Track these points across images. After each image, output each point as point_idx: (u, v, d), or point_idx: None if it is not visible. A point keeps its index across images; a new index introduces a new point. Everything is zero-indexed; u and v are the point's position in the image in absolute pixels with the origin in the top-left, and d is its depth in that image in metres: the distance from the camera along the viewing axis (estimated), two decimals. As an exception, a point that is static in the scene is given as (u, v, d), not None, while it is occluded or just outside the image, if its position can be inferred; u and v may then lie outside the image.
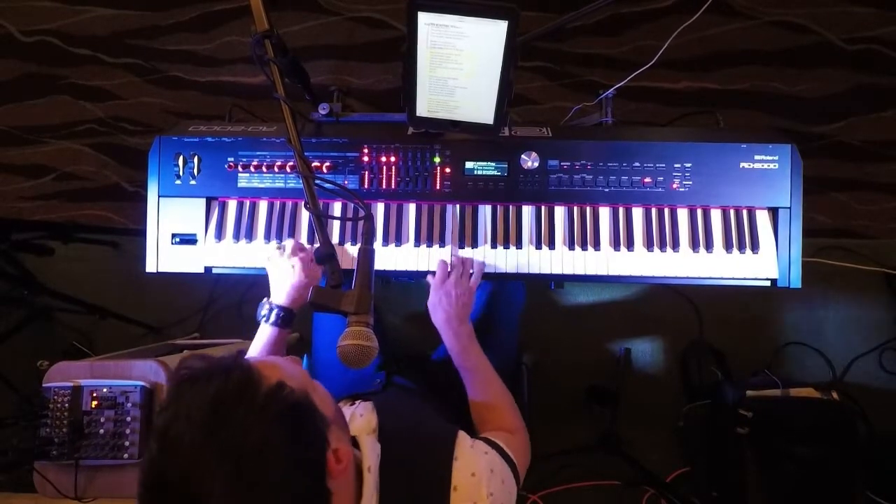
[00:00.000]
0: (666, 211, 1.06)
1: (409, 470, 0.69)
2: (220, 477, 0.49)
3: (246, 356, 0.93)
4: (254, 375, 0.56)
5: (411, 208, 1.08)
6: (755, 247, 1.05)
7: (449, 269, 1.03)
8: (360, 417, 0.78)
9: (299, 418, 0.57)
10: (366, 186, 1.07)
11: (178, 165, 1.07)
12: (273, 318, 0.94)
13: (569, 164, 1.06)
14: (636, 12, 1.90)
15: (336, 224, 1.08)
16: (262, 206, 1.09)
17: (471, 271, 1.03)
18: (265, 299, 0.97)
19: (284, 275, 0.96)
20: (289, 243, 0.98)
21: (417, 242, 1.07)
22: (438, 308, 0.99)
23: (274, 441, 0.53)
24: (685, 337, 1.79)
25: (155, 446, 0.52)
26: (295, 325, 0.98)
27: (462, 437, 0.75)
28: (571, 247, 1.06)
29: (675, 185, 1.05)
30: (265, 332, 0.95)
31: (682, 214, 1.06)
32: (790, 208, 1.04)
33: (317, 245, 0.82)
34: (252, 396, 0.54)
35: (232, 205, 1.09)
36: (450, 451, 0.71)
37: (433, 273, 1.04)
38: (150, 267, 1.07)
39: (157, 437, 0.52)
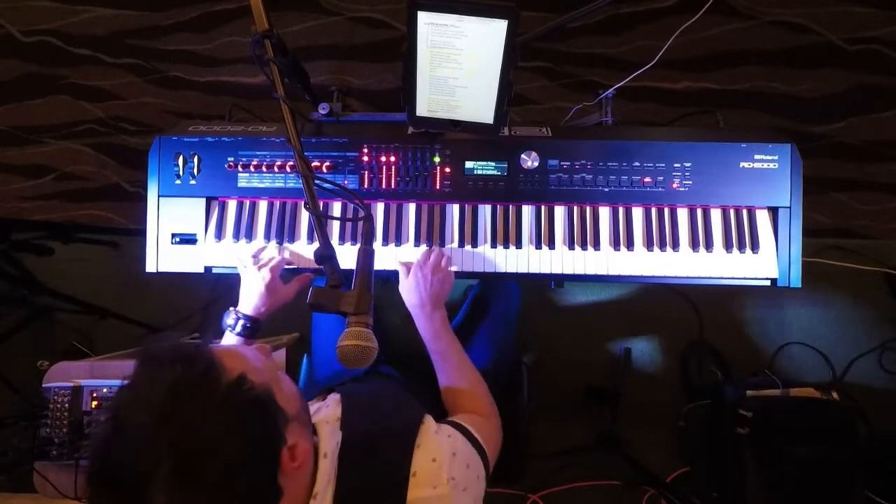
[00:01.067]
0: (666, 211, 1.06)
1: (368, 457, 0.68)
2: (164, 467, 0.49)
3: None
4: (216, 367, 0.56)
5: (411, 208, 1.08)
6: (755, 246, 1.05)
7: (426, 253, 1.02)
8: (327, 409, 0.78)
9: (256, 415, 0.57)
10: (366, 186, 1.07)
11: (178, 165, 1.07)
12: (239, 328, 0.95)
13: (569, 163, 1.06)
14: (636, 12, 1.90)
15: (336, 224, 1.08)
16: (262, 206, 1.09)
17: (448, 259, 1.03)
18: (232, 308, 0.98)
19: (253, 285, 0.97)
20: (266, 254, 1.00)
21: (417, 242, 1.07)
22: (414, 291, 0.98)
23: (226, 438, 0.53)
24: (685, 337, 1.79)
25: (109, 425, 0.52)
26: (295, 325, 0.98)
27: (428, 422, 0.74)
28: (571, 247, 1.06)
29: (675, 185, 1.05)
30: (229, 342, 0.96)
31: (682, 214, 1.06)
32: (790, 208, 1.04)
33: (315, 247, 0.82)
34: (211, 390, 0.54)
35: (232, 205, 1.09)
36: (412, 438, 0.71)
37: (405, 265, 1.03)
38: (150, 267, 1.07)
39: (112, 416, 0.52)
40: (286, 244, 1.07)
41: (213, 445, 0.52)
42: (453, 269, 1.04)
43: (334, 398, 0.81)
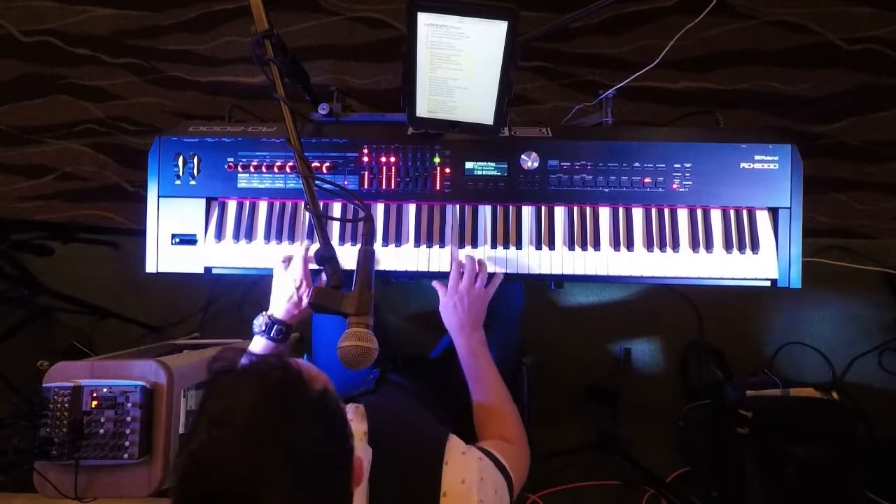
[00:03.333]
0: (666, 211, 1.06)
1: (398, 475, 0.68)
2: (283, 474, 0.49)
3: None
4: (304, 377, 0.57)
5: (411, 208, 1.08)
6: (755, 247, 1.05)
7: (461, 272, 1.02)
8: (351, 422, 0.78)
9: (340, 423, 0.58)
10: (366, 187, 1.07)
11: (178, 166, 1.07)
12: (274, 332, 0.94)
13: (569, 164, 1.06)
14: (637, 12, 1.90)
15: (336, 224, 1.08)
16: (262, 206, 1.09)
17: (486, 281, 1.02)
18: (263, 312, 0.97)
19: (288, 290, 0.96)
20: (297, 261, 0.98)
21: (417, 243, 1.07)
22: (452, 313, 0.98)
23: (326, 440, 0.54)
24: (685, 337, 1.79)
25: (214, 432, 0.50)
26: (295, 325, 0.97)
27: (453, 441, 0.74)
28: (571, 247, 1.06)
29: (675, 185, 1.05)
30: (260, 345, 0.95)
31: (682, 214, 1.06)
32: (790, 208, 1.04)
33: (315, 247, 0.82)
34: (307, 396, 0.55)
35: (232, 205, 1.09)
36: (440, 456, 0.71)
37: (438, 280, 1.03)
38: (150, 267, 1.07)
39: (214, 424, 0.51)
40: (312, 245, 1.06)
41: (318, 447, 0.53)
42: (500, 271, 1.04)
43: (357, 410, 0.80)
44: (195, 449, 0.51)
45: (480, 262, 1.03)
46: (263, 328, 0.94)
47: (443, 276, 1.08)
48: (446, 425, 0.80)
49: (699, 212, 1.06)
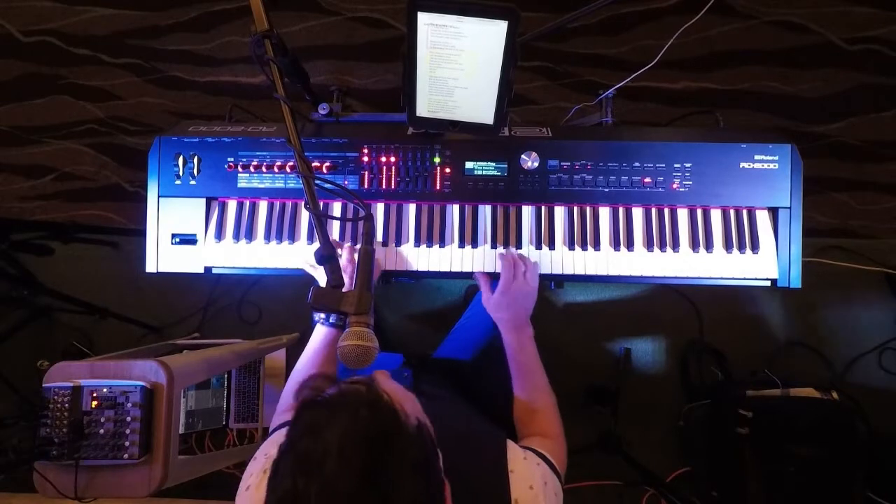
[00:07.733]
0: (666, 211, 1.06)
1: (467, 483, 0.66)
2: None
3: (310, 353, 0.93)
4: (399, 414, 0.55)
5: (411, 208, 1.08)
6: (755, 247, 1.05)
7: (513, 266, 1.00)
8: None
9: (434, 458, 0.56)
10: (366, 186, 1.07)
11: (178, 165, 1.07)
12: (333, 318, 0.94)
13: (569, 164, 1.06)
14: (636, 12, 1.90)
15: (336, 224, 1.08)
16: (262, 206, 1.09)
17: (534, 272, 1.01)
18: None
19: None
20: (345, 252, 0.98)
21: (417, 242, 1.07)
22: (507, 308, 0.97)
23: (421, 488, 0.52)
24: (685, 337, 1.79)
25: (300, 481, 0.49)
26: (295, 324, 0.97)
27: (511, 446, 0.74)
28: (571, 247, 1.06)
29: (675, 185, 1.05)
30: (321, 333, 0.95)
31: (682, 214, 1.06)
32: (790, 208, 1.04)
33: (315, 247, 0.82)
34: (401, 440, 0.53)
35: (232, 205, 1.09)
36: (503, 463, 0.71)
37: (483, 273, 1.03)
38: (150, 267, 1.07)
39: (305, 470, 0.49)
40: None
41: (419, 499, 0.51)
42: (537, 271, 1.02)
43: None
44: (281, 497, 0.50)
45: (523, 257, 1.01)
46: (324, 317, 0.94)
47: (442, 276, 1.08)
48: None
49: (699, 212, 1.06)
